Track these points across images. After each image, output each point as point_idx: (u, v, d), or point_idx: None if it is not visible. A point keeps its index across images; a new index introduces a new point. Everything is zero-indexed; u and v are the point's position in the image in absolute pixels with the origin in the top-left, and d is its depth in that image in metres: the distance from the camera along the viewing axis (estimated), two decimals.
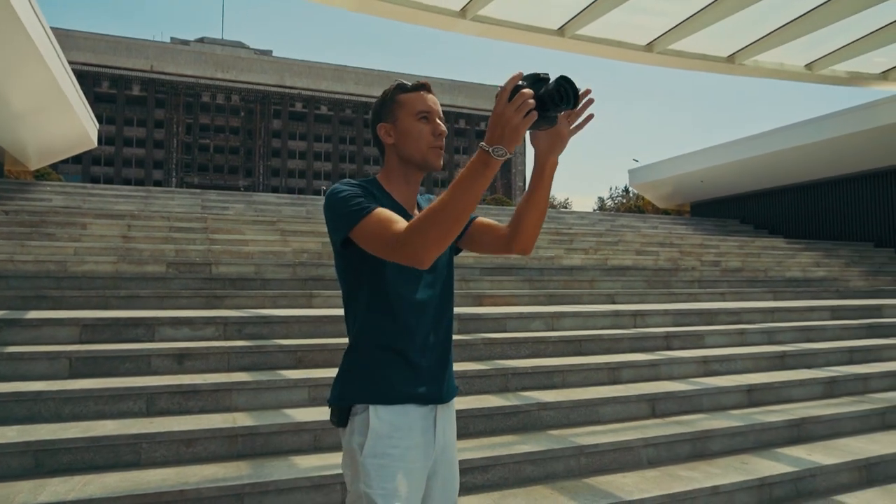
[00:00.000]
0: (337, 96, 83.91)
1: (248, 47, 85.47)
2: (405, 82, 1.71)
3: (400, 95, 1.68)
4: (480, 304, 6.35)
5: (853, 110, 12.29)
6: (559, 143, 1.57)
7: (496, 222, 1.78)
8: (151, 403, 3.52)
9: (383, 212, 1.46)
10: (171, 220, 8.58)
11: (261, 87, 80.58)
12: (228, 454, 3.22)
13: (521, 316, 5.38)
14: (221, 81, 78.56)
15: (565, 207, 54.00)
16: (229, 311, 5.02)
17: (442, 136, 1.67)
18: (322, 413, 3.55)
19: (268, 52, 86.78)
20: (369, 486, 1.47)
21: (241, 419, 3.41)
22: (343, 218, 1.49)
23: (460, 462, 3.20)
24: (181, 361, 3.97)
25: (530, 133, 1.53)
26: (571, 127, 1.56)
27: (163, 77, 74.63)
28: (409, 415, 1.54)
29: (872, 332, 6.67)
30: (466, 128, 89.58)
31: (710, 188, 17.17)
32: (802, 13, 9.29)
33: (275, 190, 72.47)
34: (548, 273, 8.20)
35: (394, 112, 1.66)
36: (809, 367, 5.50)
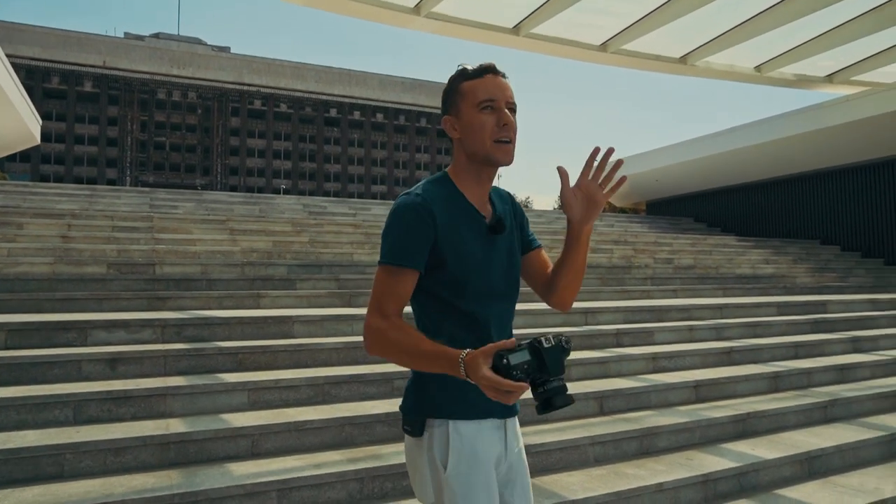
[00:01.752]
0: (297, 94, 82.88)
1: (205, 43, 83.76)
2: (468, 67, 1.54)
3: (462, 84, 1.53)
4: None
5: (799, 112, 12.63)
6: (594, 211, 1.49)
7: (549, 262, 1.67)
8: (79, 411, 3.35)
9: (392, 276, 1.45)
10: (114, 220, 8.28)
11: (218, 85, 79.08)
12: (160, 463, 3.08)
13: None
14: (178, 78, 76.84)
15: (525, 206, 54.49)
16: (168, 313, 4.84)
17: (509, 129, 1.49)
18: (261, 417, 3.43)
19: (226, 49, 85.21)
20: (455, 502, 1.44)
21: (175, 425, 3.27)
22: (382, 248, 1.49)
23: (402, 465, 3.15)
24: (114, 366, 3.79)
25: (562, 199, 1.50)
26: (605, 191, 1.48)
27: (116, 73, 72.60)
28: (485, 429, 1.50)
29: (817, 327, 6.83)
30: (428, 126, 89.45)
31: (665, 187, 17.45)
32: (751, 16, 9.49)
33: (233, 189, 71.21)
34: None
35: (456, 103, 1.53)
36: (756, 362, 5.58)
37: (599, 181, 1.46)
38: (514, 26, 9.12)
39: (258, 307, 5.66)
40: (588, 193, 1.47)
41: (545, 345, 1.26)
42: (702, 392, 4.74)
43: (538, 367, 1.26)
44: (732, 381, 4.93)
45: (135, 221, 8.37)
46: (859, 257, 13.32)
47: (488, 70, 1.51)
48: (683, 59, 10.83)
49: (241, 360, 4.08)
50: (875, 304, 8.19)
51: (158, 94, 76.45)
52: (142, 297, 5.37)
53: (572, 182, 1.50)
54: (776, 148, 13.39)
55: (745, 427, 4.30)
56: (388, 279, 1.46)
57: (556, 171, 1.48)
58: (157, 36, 78.83)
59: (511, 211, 1.64)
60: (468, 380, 1.29)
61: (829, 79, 12.58)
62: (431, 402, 1.50)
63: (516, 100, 1.54)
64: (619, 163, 1.47)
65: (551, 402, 1.26)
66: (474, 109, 1.49)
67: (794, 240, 14.35)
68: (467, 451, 1.46)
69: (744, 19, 9.68)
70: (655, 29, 9.49)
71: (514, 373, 1.23)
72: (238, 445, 3.25)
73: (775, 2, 9.19)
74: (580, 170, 1.50)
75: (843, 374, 5.54)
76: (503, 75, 1.53)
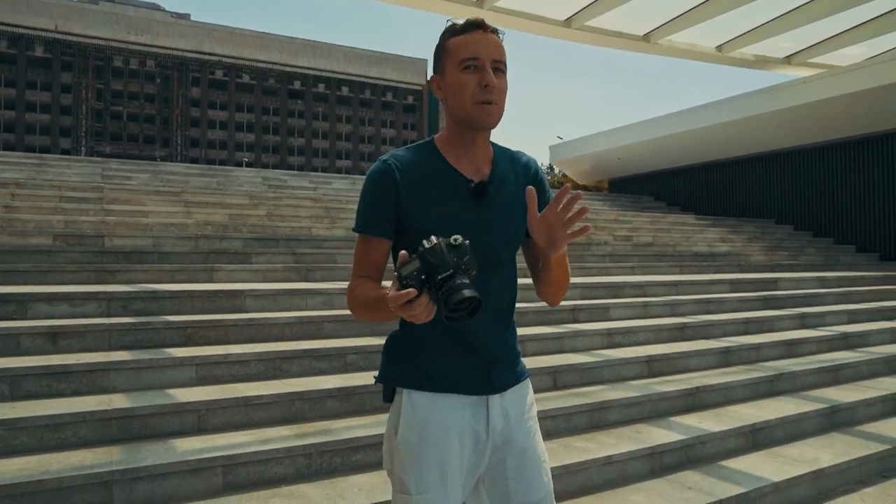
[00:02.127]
0: (260, 65, 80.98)
1: (163, 10, 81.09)
2: (456, 22, 1.44)
3: (448, 41, 1.44)
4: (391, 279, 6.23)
5: (757, 92, 12.82)
6: (555, 245, 1.35)
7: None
8: (16, 387, 3.23)
9: (363, 244, 1.48)
10: (62, 190, 7.99)
11: (178, 53, 76.74)
12: (101, 439, 2.99)
13: None
14: (135, 45, 74.28)
15: None
16: (116, 287, 4.70)
17: (490, 89, 1.39)
18: (208, 392, 3.36)
19: (185, 16, 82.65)
20: (403, 470, 1.45)
21: (118, 401, 3.18)
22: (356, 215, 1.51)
23: (352, 440, 3.14)
24: (55, 341, 3.66)
25: (528, 222, 1.35)
26: (567, 232, 1.32)
27: (69, 38, 69.78)
28: (447, 403, 1.45)
29: (767, 304, 7.00)
30: (394, 101, 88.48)
31: (626, 165, 17.63)
32: None
33: (194, 161, 69.51)
34: None
35: (442, 61, 1.45)
36: (708, 337, 5.70)
37: (563, 220, 1.32)
38: (477, 0, 9.00)
39: (212, 281, 5.53)
40: (550, 227, 1.33)
41: (426, 245, 1.21)
42: (654, 367, 4.82)
43: (428, 271, 1.19)
44: (684, 356, 5.03)
45: (84, 192, 8.09)
46: (811, 236, 13.70)
47: (475, 26, 1.42)
48: (647, 37, 10.87)
49: (189, 335, 3.98)
50: (823, 282, 8.44)
51: (115, 61, 73.85)
52: (89, 270, 5.20)
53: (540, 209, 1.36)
54: (734, 128, 13.60)
55: (695, 401, 4.39)
56: (359, 246, 1.49)
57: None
58: (112, 0, 75.85)
59: (520, 178, 1.52)
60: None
61: (788, 60, 12.79)
62: (394, 370, 1.50)
63: (507, 58, 1.45)
64: (577, 196, 1.33)
65: (448, 302, 1.17)
66: (457, 68, 1.41)
67: (750, 219, 14.67)
68: (418, 422, 1.44)
69: None
70: (619, 6, 9.48)
71: (405, 282, 1.18)
72: (184, 421, 3.18)
73: None
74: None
75: (791, 349, 5.70)
76: (494, 31, 1.44)
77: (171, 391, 3.39)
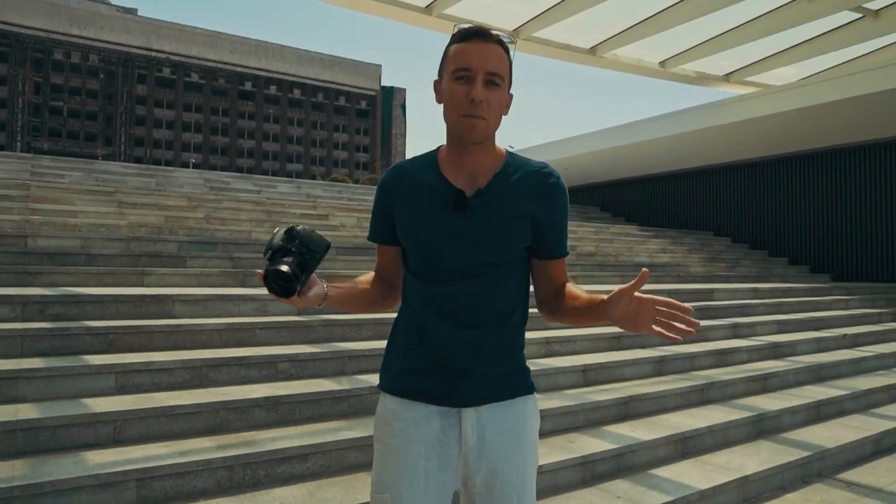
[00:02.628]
0: (210, 64, 79.33)
1: (109, 3, 78.58)
2: (463, 27, 1.41)
3: (449, 47, 1.42)
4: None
5: (698, 108, 13.22)
6: (629, 326, 1.34)
7: (556, 275, 1.53)
8: None
9: (378, 256, 1.60)
10: None
11: (124, 48, 74.48)
12: (5, 452, 2.81)
13: None
14: (77, 38, 71.76)
15: None
16: (34, 290, 4.45)
17: (476, 104, 1.36)
18: (127, 402, 3.21)
19: (132, 11, 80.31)
20: (373, 469, 1.51)
21: (26, 411, 3.00)
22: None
23: (278, 452, 3.04)
24: None
25: (619, 293, 1.34)
26: (652, 327, 1.30)
27: (6, 28, 66.83)
28: (416, 410, 1.46)
29: (703, 313, 7.17)
30: (347, 105, 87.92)
31: (573, 175, 17.89)
32: (656, 12, 9.78)
33: (138, 160, 67.45)
34: None
35: (441, 68, 1.44)
36: (643, 346, 5.78)
37: (659, 318, 1.29)
38: (427, 6, 9.00)
39: (142, 285, 5.32)
40: (638, 313, 1.31)
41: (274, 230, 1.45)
42: (590, 376, 4.86)
43: (266, 250, 1.42)
44: (620, 366, 5.09)
45: (8, 189, 7.70)
46: (747, 248, 14.17)
47: (474, 34, 1.38)
48: (593, 51, 11.08)
49: (112, 341, 3.80)
50: (756, 293, 8.72)
51: (55, 54, 71.14)
52: (8, 272, 4.92)
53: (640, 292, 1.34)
54: (676, 142, 13.97)
55: (628, 410, 4.44)
56: (377, 254, 1.61)
57: (640, 272, 1.31)
58: None
59: (528, 191, 1.46)
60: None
61: (727, 78, 13.24)
62: (381, 371, 1.58)
63: (509, 69, 1.42)
64: (688, 311, 1.29)
65: (266, 274, 1.34)
66: (450, 77, 1.39)
67: (691, 231, 15.09)
68: (384, 423, 1.50)
69: (650, 14, 9.99)
70: (567, 18, 9.62)
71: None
72: (98, 432, 3.02)
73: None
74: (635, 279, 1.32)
75: (722, 358, 5.85)
76: (497, 40, 1.40)
77: (87, 401, 3.22)
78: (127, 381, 3.47)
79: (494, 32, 1.41)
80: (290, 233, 1.39)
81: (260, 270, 1.33)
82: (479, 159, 1.47)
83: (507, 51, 1.43)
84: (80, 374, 3.36)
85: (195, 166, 65.38)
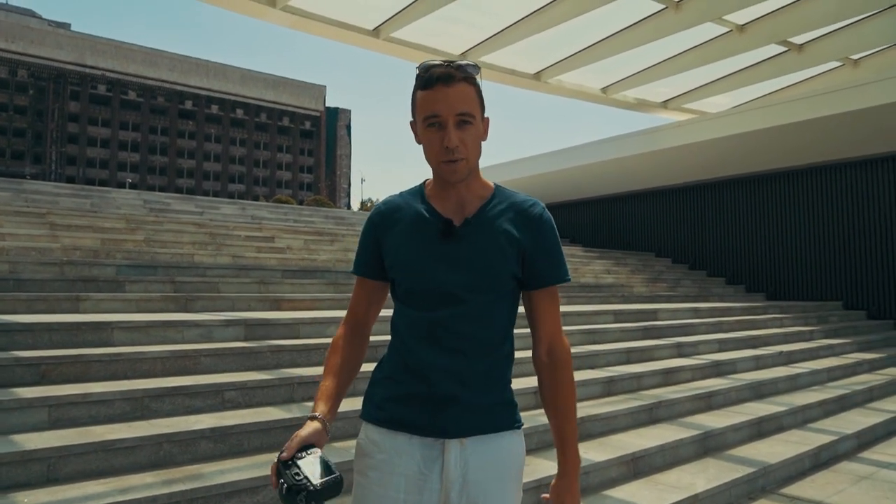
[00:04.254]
0: (148, 82, 77.33)
1: (39, 17, 75.83)
2: (424, 70, 1.42)
3: (415, 93, 1.45)
4: (279, 309, 5.99)
5: (637, 133, 13.69)
6: None
7: (545, 314, 1.54)
8: None
9: (357, 284, 1.61)
10: None
11: (56, 64, 71.84)
12: None
13: (316, 321, 5.12)
14: (4, 53, 68.80)
15: None
16: None
17: (451, 150, 1.40)
18: (62, 437, 3.02)
19: (65, 26, 77.73)
20: (353, 498, 1.49)
21: None
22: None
23: (226, 485, 2.91)
24: None
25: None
26: None
27: None
28: (398, 440, 1.44)
29: (647, 333, 7.33)
30: (291, 126, 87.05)
31: None
32: (598, 40, 10.10)
33: (70, 180, 64.85)
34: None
35: (413, 111, 1.48)
36: (593, 367, 5.86)
37: None
38: (375, 28, 9.04)
39: (77, 311, 5.06)
40: None
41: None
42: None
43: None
44: None
45: None
46: (687, 269, 14.64)
47: (437, 80, 1.40)
48: (537, 76, 11.33)
49: (44, 372, 3.59)
50: (697, 313, 8.99)
51: None
52: None
53: None
54: (616, 166, 14.39)
55: (580, 431, 4.42)
56: (355, 285, 1.62)
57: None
58: None
59: (513, 223, 1.49)
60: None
61: (665, 105, 13.77)
62: (364, 400, 1.55)
63: (479, 100, 1.45)
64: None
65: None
66: (423, 124, 1.43)
67: (634, 252, 15.49)
68: (365, 453, 1.48)
69: (592, 42, 10.31)
70: (512, 44, 9.83)
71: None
72: (30, 471, 2.83)
73: (619, 28, 9.87)
74: None
75: (668, 377, 5.98)
76: (462, 79, 1.41)
77: (17, 437, 3.02)
78: (61, 414, 3.27)
79: (456, 70, 1.42)
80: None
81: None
82: (465, 191, 1.51)
83: (473, 81, 1.45)
84: (9, 409, 3.15)
85: (132, 186, 63.28)
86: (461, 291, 1.45)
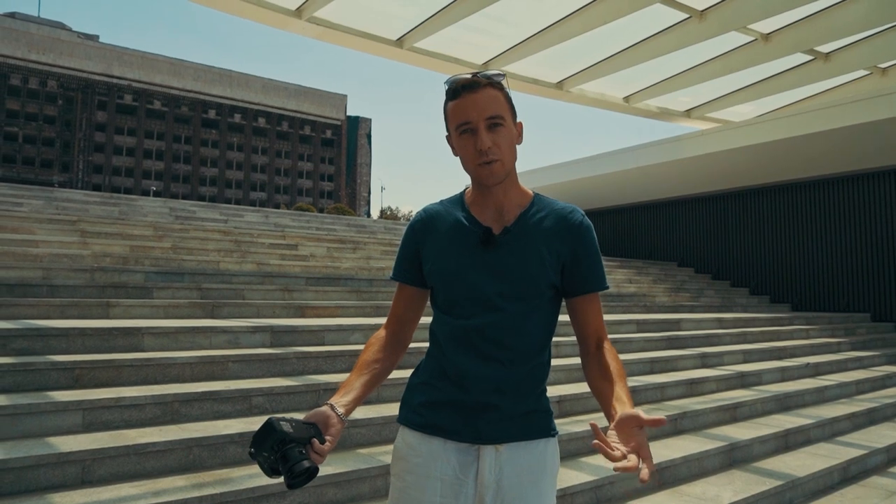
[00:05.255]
0: (173, 92, 78.60)
1: (69, 29, 77.53)
2: (451, 85, 1.47)
3: (446, 105, 1.50)
4: (303, 316, 6.05)
5: (660, 142, 13.61)
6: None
7: (589, 318, 1.56)
8: None
9: (397, 290, 1.64)
10: None
11: (84, 75, 73.35)
12: None
13: (341, 328, 5.17)
14: (36, 64, 70.43)
15: (409, 220, 54.75)
16: None
17: (485, 153, 1.43)
18: (96, 440, 3.09)
19: (94, 37, 79.32)
20: (389, 500, 1.52)
21: None
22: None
23: (255, 489, 2.95)
24: None
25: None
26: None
27: None
28: (434, 445, 1.47)
29: (671, 343, 7.28)
30: (312, 135, 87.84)
31: None
32: (620, 49, 10.08)
33: (97, 188, 65.98)
34: (377, 284, 8.07)
35: (447, 124, 1.52)
36: None
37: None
38: (398, 39, 9.12)
39: (107, 317, 5.17)
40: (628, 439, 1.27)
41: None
42: (564, 407, 4.87)
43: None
44: (593, 397, 5.09)
45: None
46: (710, 279, 14.49)
47: (464, 88, 1.45)
48: (560, 85, 11.34)
49: (78, 376, 3.67)
50: (721, 323, 8.90)
51: (12, 79, 69.69)
52: None
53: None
54: (639, 175, 14.31)
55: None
56: (396, 292, 1.65)
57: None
58: (12, 15, 71.91)
59: (553, 231, 1.51)
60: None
61: (688, 114, 13.68)
62: (401, 405, 1.58)
63: (509, 103, 1.49)
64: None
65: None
66: (456, 133, 1.47)
67: (656, 261, 15.37)
68: (402, 457, 1.50)
69: (614, 52, 10.30)
70: (534, 53, 9.86)
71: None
72: (66, 473, 2.90)
73: (641, 38, 9.85)
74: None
75: (692, 388, 5.93)
76: (487, 84, 1.45)
77: (53, 439, 3.09)
78: (95, 417, 3.35)
79: (481, 77, 1.46)
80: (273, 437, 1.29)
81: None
82: (504, 197, 1.53)
83: (500, 87, 1.49)
84: (45, 412, 3.23)
85: (156, 194, 64.23)
86: (499, 300, 1.47)
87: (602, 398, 1.46)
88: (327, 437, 1.32)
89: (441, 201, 1.62)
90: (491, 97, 1.45)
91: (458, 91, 1.45)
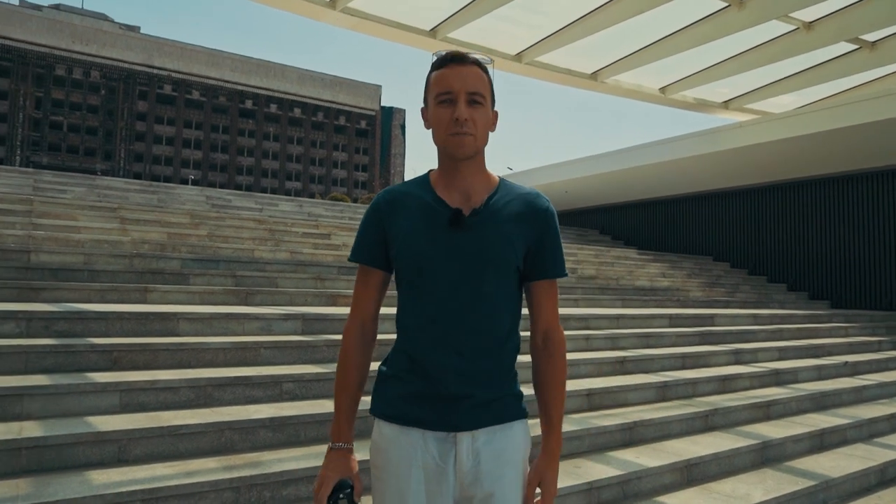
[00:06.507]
0: (211, 82, 79.84)
1: (111, 20, 79.25)
2: (441, 54, 1.49)
3: (430, 75, 1.50)
4: (334, 304, 6.12)
5: (698, 134, 13.34)
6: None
7: (544, 304, 1.58)
8: None
9: (358, 275, 1.60)
10: None
11: (125, 65, 74.97)
12: (8, 470, 2.78)
13: None
14: (80, 55, 72.22)
15: None
16: (39, 305, 4.44)
17: (461, 122, 1.43)
18: (132, 421, 3.18)
19: (135, 28, 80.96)
20: (373, 494, 1.53)
21: (30, 429, 2.97)
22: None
23: (284, 473, 3.01)
24: None
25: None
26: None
27: (9, 43, 67.28)
28: (413, 436, 1.48)
29: (704, 339, 7.17)
30: (347, 125, 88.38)
31: (574, 199, 17.99)
32: (656, 39, 9.90)
33: (137, 176, 67.51)
34: None
35: (426, 95, 1.52)
36: (646, 371, 5.78)
37: None
38: (432, 29, 9.11)
39: (145, 302, 5.31)
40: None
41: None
42: (594, 400, 4.84)
43: None
44: (624, 390, 5.07)
45: (11, 204, 7.70)
46: (746, 274, 14.21)
47: (451, 59, 1.46)
48: (594, 76, 11.20)
49: (116, 359, 3.78)
50: (756, 319, 8.72)
51: (57, 69, 71.53)
52: (11, 287, 4.91)
53: None
54: (675, 167, 14.07)
55: (633, 435, 4.42)
56: (356, 279, 1.61)
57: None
58: (57, 7, 73.76)
59: (521, 215, 1.52)
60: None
61: (725, 105, 13.38)
62: (373, 398, 1.57)
63: (490, 88, 1.50)
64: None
65: None
66: (434, 102, 1.46)
67: (690, 255, 15.13)
68: (382, 450, 1.50)
69: (650, 42, 10.12)
70: (569, 43, 9.74)
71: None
72: (103, 451, 3.00)
73: (678, 28, 9.65)
74: None
75: (725, 384, 5.83)
76: (474, 62, 1.47)
77: (91, 419, 3.20)
78: (131, 399, 3.45)
79: (471, 55, 1.49)
80: None
81: None
82: (471, 179, 1.53)
83: (485, 71, 1.51)
84: (84, 392, 3.34)
85: (194, 183, 65.48)
86: (469, 282, 1.47)
87: (538, 406, 1.59)
88: (357, 481, 1.52)
89: (404, 182, 1.60)
90: (476, 75, 1.46)
91: (445, 61, 1.47)
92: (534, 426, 1.61)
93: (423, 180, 1.56)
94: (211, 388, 3.67)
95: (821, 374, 6.82)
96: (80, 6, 78.43)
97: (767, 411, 5.37)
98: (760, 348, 7.11)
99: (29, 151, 67.95)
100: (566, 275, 1.59)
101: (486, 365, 1.49)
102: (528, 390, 1.59)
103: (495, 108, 1.55)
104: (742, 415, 5.15)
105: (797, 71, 11.77)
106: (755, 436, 4.67)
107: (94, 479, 2.77)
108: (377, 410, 1.55)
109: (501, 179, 1.58)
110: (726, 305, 10.35)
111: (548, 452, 1.55)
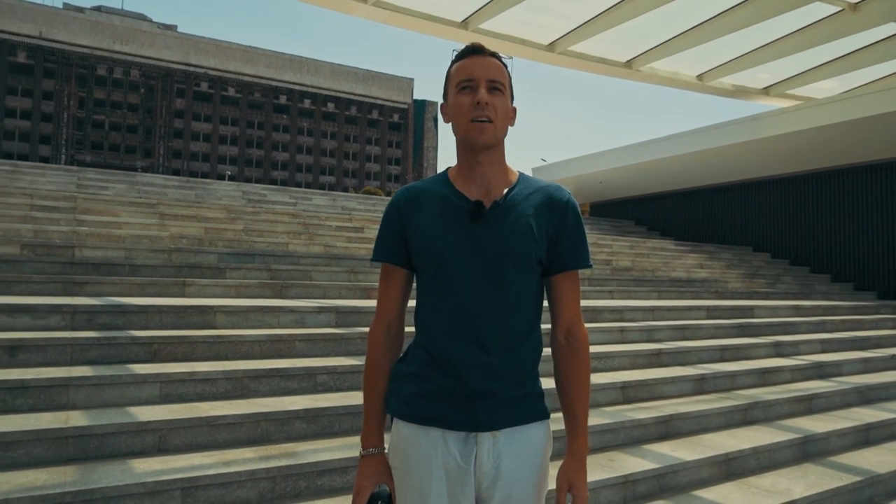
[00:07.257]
0: (246, 79, 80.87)
1: (150, 20, 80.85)
2: (462, 47, 1.53)
3: (451, 67, 1.53)
4: (368, 297, 6.16)
5: (737, 122, 13.01)
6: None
7: (565, 298, 1.55)
8: None
9: (382, 274, 1.57)
10: (34, 198, 7.82)
11: (163, 64, 76.42)
12: (55, 458, 2.88)
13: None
14: (120, 55, 73.88)
15: None
16: (82, 299, 4.57)
17: (483, 106, 1.44)
18: (172, 411, 3.26)
19: (172, 27, 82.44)
20: (397, 493, 1.51)
21: (76, 418, 3.07)
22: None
23: (318, 464, 3.05)
24: (13, 354, 3.54)
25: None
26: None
27: (53, 45, 69.23)
28: (433, 436, 1.45)
29: (743, 331, 7.02)
30: (379, 119, 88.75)
31: (608, 189, 17.76)
32: (693, 25, 9.68)
33: (176, 172, 68.87)
34: None
35: (446, 87, 1.55)
36: (683, 364, 5.68)
37: None
38: (463, 20, 9.05)
39: (183, 296, 5.42)
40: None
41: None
42: (629, 393, 4.78)
43: None
44: (659, 383, 5.00)
45: (57, 201, 7.94)
46: (787, 265, 13.85)
47: (472, 51, 1.49)
48: (629, 64, 11.00)
49: (156, 351, 3.88)
50: (798, 311, 8.50)
51: (98, 69, 73.30)
52: (56, 282, 5.07)
53: None
54: (713, 156, 13.77)
55: (669, 428, 4.36)
56: (379, 279, 1.59)
57: None
58: (98, 9, 75.55)
59: (542, 210, 1.50)
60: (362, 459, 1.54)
61: (766, 91, 13.01)
62: (390, 397, 1.54)
63: (509, 81, 1.52)
64: None
65: None
66: (455, 91, 1.48)
67: (729, 246, 14.80)
68: (401, 450, 1.49)
69: (687, 28, 9.89)
70: (602, 32, 9.59)
71: None
72: (144, 441, 3.08)
73: (716, 13, 9.42)
74: None
75: (765, 377, 5.71)
76: (493, 54, 1.50)
77: (133, 409, 3.28)
78: (171, 390, 3.53)
79: (490, 50, 1.51)
80: None
81: None
82: (490, 172, 1.51)
83: (505, 66, 1.52)
84: (126, 384, 3.43)
85: (231, 178, 66.63)
86: (491, 275, 1.45)
87: (562, 406, 1.56)
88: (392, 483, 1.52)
89: (423, 180, 1.60)
90: (496, 65, 1.49)
91: (466, 53, 1.50)
92: (554, 420, 1.59)
93: (442, 177, 1.56)
94: (247, 379, 3.73)
95: (866, 367, 6.62)
96: (119, 7, 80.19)
97: (810, 405, 5.24)
98: (802, 340, 6.93)
99: (73, 150, 69.91)
100: (590, 265, 1.57)
101: (508, 360, 1.46)
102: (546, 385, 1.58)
103: (514, 105, 1.55)
104: (783, 408, 5.04)
105: (841, 55, 11.38)
106: (797, 430, 4.56)
107: (136, 467, 2.85)
108: (395, 410, 1.52)
109: (521, 174, 1.58)
110: (767, 297, 10.11)
111: (575, 455, 1.51)
